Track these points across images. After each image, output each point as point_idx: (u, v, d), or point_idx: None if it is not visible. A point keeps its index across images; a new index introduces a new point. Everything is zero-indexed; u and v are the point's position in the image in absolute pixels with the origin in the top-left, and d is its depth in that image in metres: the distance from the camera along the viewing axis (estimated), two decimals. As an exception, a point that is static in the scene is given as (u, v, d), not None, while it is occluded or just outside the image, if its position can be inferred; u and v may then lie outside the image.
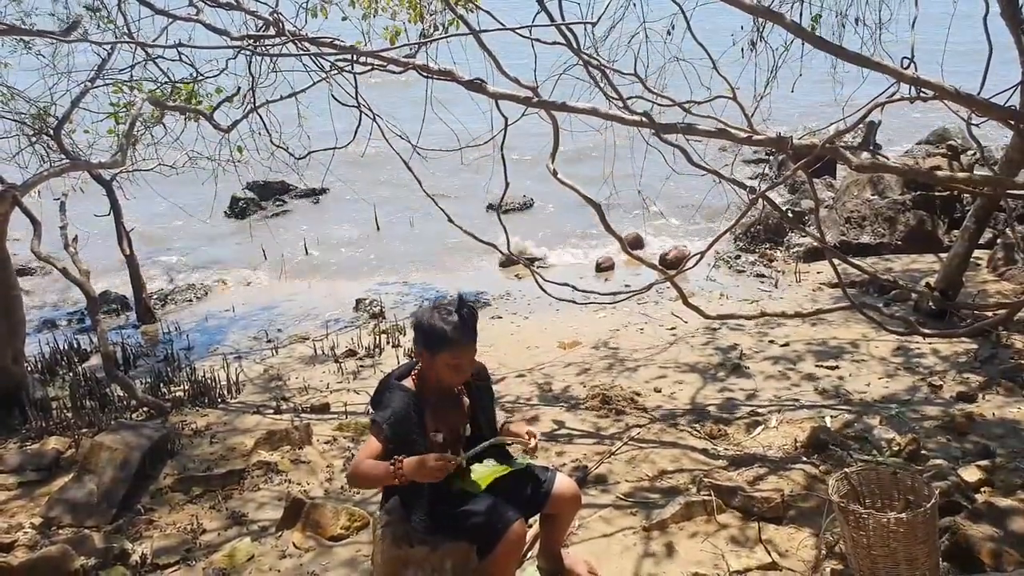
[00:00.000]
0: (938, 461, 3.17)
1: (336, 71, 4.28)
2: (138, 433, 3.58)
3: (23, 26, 4.57)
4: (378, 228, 8.66)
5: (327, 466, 3.58)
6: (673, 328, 5.36)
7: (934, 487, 2.43)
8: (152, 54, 4.73)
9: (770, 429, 3.68)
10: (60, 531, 3.12)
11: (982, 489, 2.94)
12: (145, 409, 4.29)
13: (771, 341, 4.96)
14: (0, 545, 2.96)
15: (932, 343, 4.66)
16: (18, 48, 5.14)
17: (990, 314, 4.65)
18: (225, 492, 3.38)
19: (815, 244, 5.96)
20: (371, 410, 2.37)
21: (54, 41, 4.58)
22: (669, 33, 4.38)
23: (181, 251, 8.30)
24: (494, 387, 4.69)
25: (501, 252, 4.74)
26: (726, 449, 3.51)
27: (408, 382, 2.32)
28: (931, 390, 4.08)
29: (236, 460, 3.65)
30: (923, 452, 3.29)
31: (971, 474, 3.01)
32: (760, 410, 3.94)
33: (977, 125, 4.08)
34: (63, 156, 4.92)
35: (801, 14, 4.58)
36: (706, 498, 2.94)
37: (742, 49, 4.77)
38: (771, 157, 8.88)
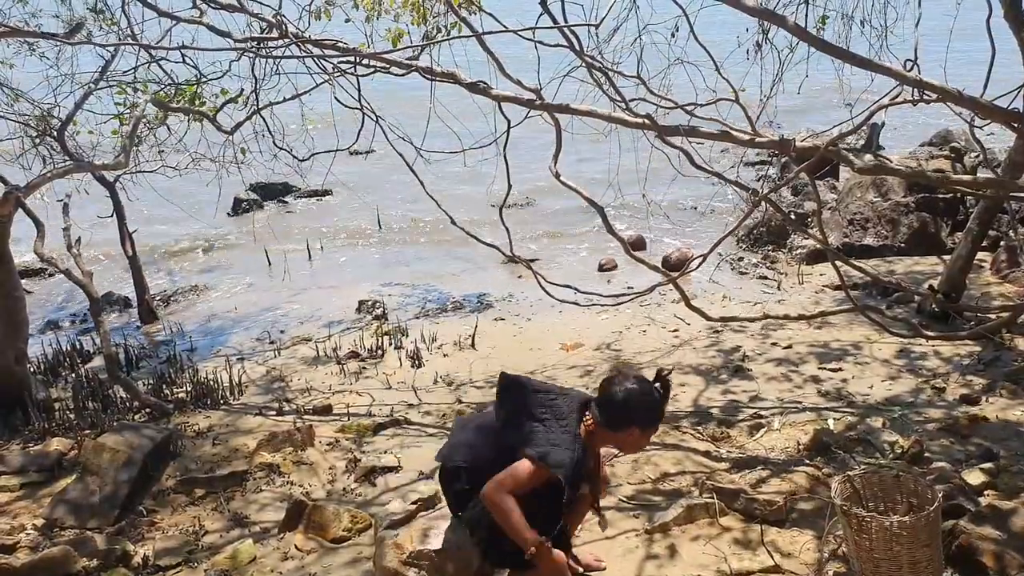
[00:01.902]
0: (941, 464, 3.16)
1: (339, 73, 4.28)
2: (140, 434, 3.59)
3: (28, 27, 4.58)
4: (380, 228, 8.67)
5: (329, 468, 3.58)
6: (676, 330, 5.35)
7: (937, 490, 2.43)
8: (156, 56, 4.74)
9: (773, 431, 3.67)
10: (62, 532, 3.13)
11: (985, 492, 2.93)
12: (147, 410, 4.30)
13: (774, 343, 4.95)
14: (2, 546, 2.97)
15: (935, 345, 4.65)
16: (22, 50, 5.16)
17: (993, 316, 4.64)
18: (227, 494, 3.39)
19: (818, 246, 5.95)
20: (539, 445, 2.21)
21: (58, 43, 4.59)
22: (673, 35, 4.37)
23: (184, 252, 8.32)
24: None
25: (503, 254, 4.75)
26: (729, 451, 3.50)
27: (581, 432, 2.29)
28: (934, 392, 4.07)
29: (238, 461, 3.65)
30: (926, 455, 3.28)
31: (974, 477, 3.00)
32: (763, 412, 3.93)
33: (980, 127, 4.09)
34: (67, 158, 4.94)
35: (807, 16, 4.57)
36: (708, 501, 2.93)
37: (747, 51, 4.77)
38: (774, 159, 8.87)
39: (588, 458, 2.30)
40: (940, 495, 2.37)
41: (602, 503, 3.08)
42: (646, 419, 2.29)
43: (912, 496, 2.44)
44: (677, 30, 4.34)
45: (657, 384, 2.31)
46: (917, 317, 5.03)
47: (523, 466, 2.19)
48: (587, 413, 2.33)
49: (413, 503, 2.75)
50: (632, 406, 2.25)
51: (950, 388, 4.09)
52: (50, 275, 7.29)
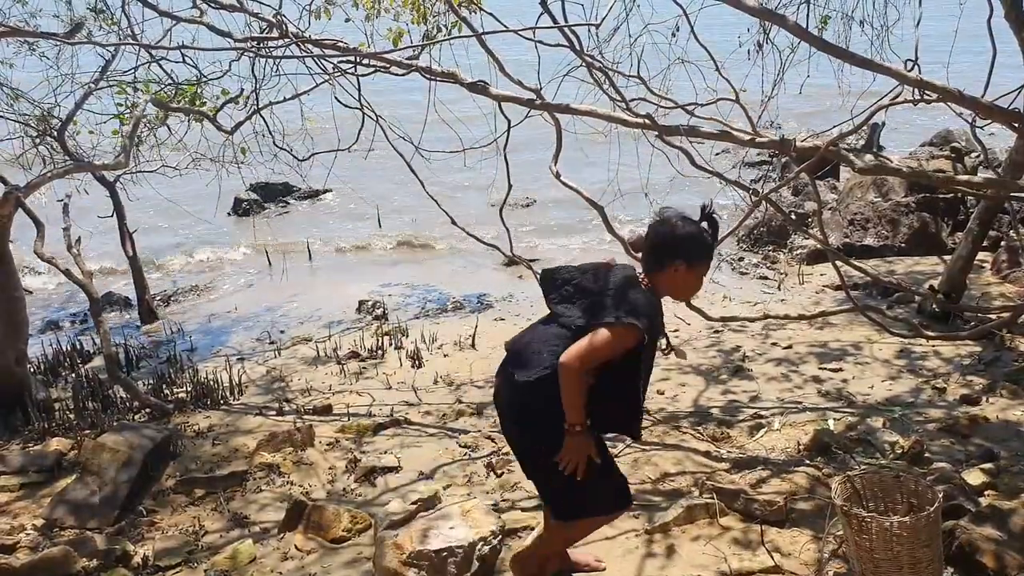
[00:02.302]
0: (941, 464, 3.16)
1: (339, 73, 4.28)
2: (140, 434, 3.58)
3: (27, 27, 4.58)
4: (380, 228, 8.67)
5: (329, 468, 3.58)
6: (676, 330, 5.35)
7: (938, 490, 2.42)
8: (156, 56, 4.74)
9: (773, 431, 3.67)
10: (62, 532, 3.13)
11: (985, 492, 2.93)
12: (147, 410, 4.30)
13: (774, 343, 4.95)
14: (2, 546, 2.97)
15: (935, 345, 4.65)
16: (22, 50, 5.16)
17: (994, 316, 4.64)
18: (227, 494, 3.38)
19: (818, 246, 5.95)
20: (608, 302, 2.14)
21: (58, 43, 4.59)
22: (674, 35, 4.37)
23: (184, 252, 8.32)
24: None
25: (504, 254, 4.75)
26: (729, 452, 3.50)
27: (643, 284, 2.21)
28: (934, 393, 4.06)
29: (238, 462, 3.65)
30: (926, 455, 3.28)
31: (975, 477, 3.00)
32: (763, 412, 3.93)
33: (981, 127, 4.08)
34: (67, 158, 4.94)
35: (808, 16, 4.57)
36: (708, 501, 2.93)
37: (748, 51, 4.76)
38: (774, 159, 8.87)
39: (661, 307, 2.21)
40: (940, 495, 2.37)
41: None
42: (693, 252, 2.18)
43: (912, 496, 2.43)
44: (678, 30, 4.34)
45: (704, 222, 2.20)
46: (917, 317, 5.03)
47: (600, 334, 2.08)
48: (637, 273, 2.26)
49: (413, 503, 2.75)
50: (677, 236, 2.16)
51: (950, 388, 4.08)
52: (50, 274, 7.28)
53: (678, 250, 2.19)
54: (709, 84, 4.35)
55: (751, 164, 10.20)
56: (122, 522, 3.20)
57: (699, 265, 2.22)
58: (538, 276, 2.42)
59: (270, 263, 7.69)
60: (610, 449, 3.37)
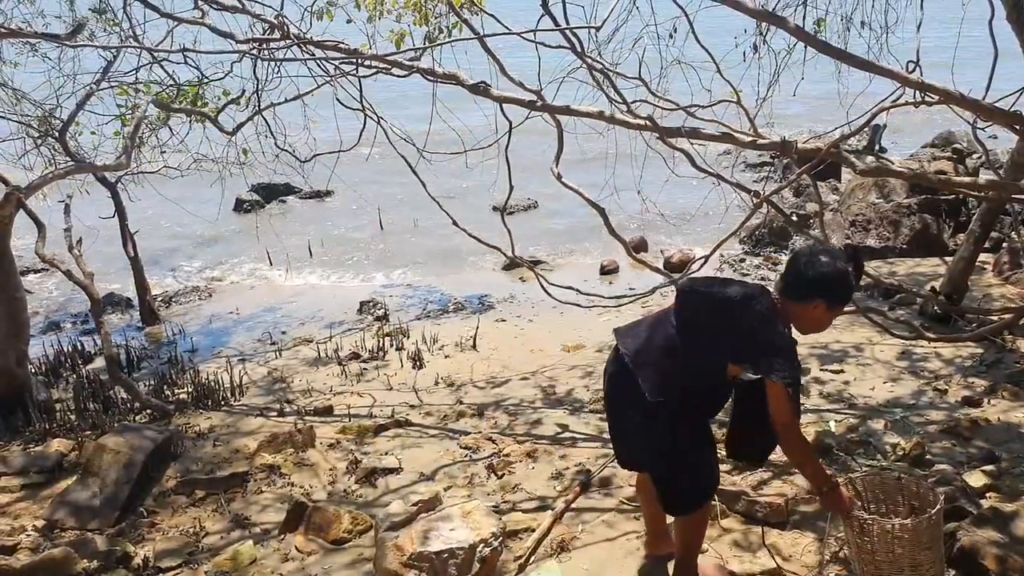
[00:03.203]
0: (943, 466, 3.15)
1: (341, 74, 4.28)
2: (141, 435, 3.59)
3: (30, 28, 4.58)
4: (382, 229, 8.67)
5: (330, 469, 3.58)
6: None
7: (939, 492, 2.42)
8: (158, 57, 4.74)
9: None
10: (63, 533, 3.13)
11: (987, 494, 2.92)
12: (148, 411, 4.30)
13: (775, 345, 4.93)
14: (3, 547, 2.97)
15: (937, 347, 4.64)
16: (24, 50, 5.17)
17: (995, 318, 4.63)
18: (228, 495, 3.38)
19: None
20: (770, 358, 2.13)
21: (60, 45, 4.60)
22: (672, 36, 4.37)
23: (185, 253, 8.33)
24: (498, 389, 4.72)
25: (505, 255, 4.75)
26: (730, 453, 3.49)
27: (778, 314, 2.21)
28: (936, 394, 4.06)
29: (239, 463, 3.65)
30: (927, 457, 3.27)
31: (976, 479, 3.00)
32: (764, 414, 3.92)
33: (983, 129, 4.08)
34: (68, 158, 4.94)
35: (804, 17, 4.57)
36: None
37: (744, 53, 4.76)
38: (775, 161, 8.86)
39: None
40: (942, 498, 2.36)
41: (601, 505, 3.10)
42: (838, 295, 2.17)
43: (914, 498, 2.43)
44: (675, 31, 4.34)
45: (850, 264, 2.18)
46: (919, 319, 5.02)
47: (781, 396, 2.13)
48: (773, 293, 2.26)
49: (414, 505, 2.75)
50: (829, 276, 2.14)
51: (952, 390, 4.08)
52: (51, 275, 7.29)
53: (826, 290, 2.17)
54: (707, 85, 4.35)
55: (752, 165, 10.21)
56: (123, 523, 3.20)
57: (838, 308, 2.23)
58: (676, 285, 2.46)
59: (271, 263, 7.70)
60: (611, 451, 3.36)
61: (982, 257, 5.48)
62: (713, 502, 2.75)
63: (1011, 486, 2.98)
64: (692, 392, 2.25)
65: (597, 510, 3.04)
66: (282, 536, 3.05)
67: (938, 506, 2.28)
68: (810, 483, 2.20)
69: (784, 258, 6.94)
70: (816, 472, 2.24)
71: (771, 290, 2.30)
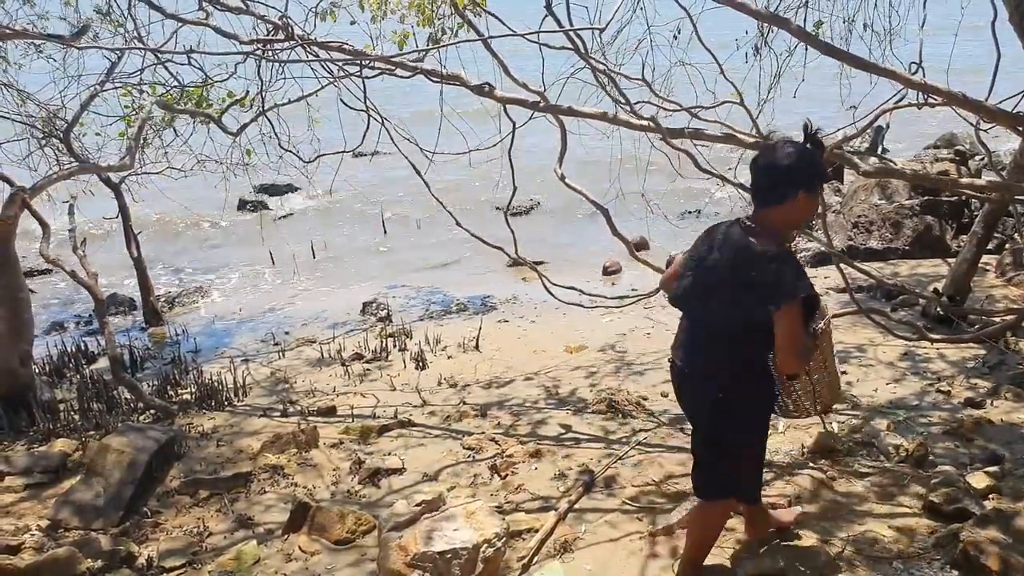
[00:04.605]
0: (946, 467, 3.15)
1: (345, 75, 4.29)
2: (145, 436, 3.59)
3: (34, 29, 4.60)
4: (385, 231, 8.68)
5: (333, 469, 3.59)
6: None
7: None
8: (162, 58, 4.75)
9: (777, 434, 3.66)
10: (67, 533, 3.13)
11: (990, 495, 2.92)
12: (152, 411, 4.31)
13: (778, 346, 4.93)
14: (7, 547, 2.97)
15: (940, 348, 4.64)
16: (29, 51, 5.18)
17: (998, 320, 4.63)
18: (231, 495, 3.39)
19: (822, 249, 5.94)
20: (779, 282, 2.06)
21: (65, 46, 4.61)
22: (675, 37, 4.37)
23: (188, 254, 8.35)
24: (501, 389, 4.72)
25: (508, 255, 4.75)
26: (733, 454, 3.50)
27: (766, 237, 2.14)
28: (939, 396, 4.06)
29: (243, 463, 3.66)
30: (930, 458, 3.27)
31: (979, 480, 2.99)
32: (767, 415, 3.92)
33: (986, 130, 4.08)
34: (72, 159, 4.95)
35: (806, 19, 4.57)
36: (713, 503, 2.92)
37: (746, 54, 4.77)
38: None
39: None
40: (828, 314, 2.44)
41: (604, 505, 3.10)
42: (811, 177, 2.11)
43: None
44: (679, 32, 4.34)
45: (808, 143, 2.13)
46: (921, 320, 5.02)
47: (788, 319, 2.04)
48: (746, 220, 2.19)
49: (417, 505, 2.75)
50: (793, 165, 2.08)
51: (955, 391, 4.07)
52: (55, 275, 7.31)
53: (801, 176, 2.10)
54: (709, 86, 4.36)
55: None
56: (126, 523, 3.20)
57: (818, 190, 2.16)
58: (667, 296, 2.42)
59: (274, 264, 7.71)
60: (616, 452, 3.37)
61: (985, 258, 5.48)
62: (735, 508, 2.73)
63: (1014, 487, 2.98)
64: (747, 369, 2.23)
65: (600, 510, 3.04)
66: (285, 536, 3.05)
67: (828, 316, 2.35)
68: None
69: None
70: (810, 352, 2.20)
71: (740, 218, 2.24)
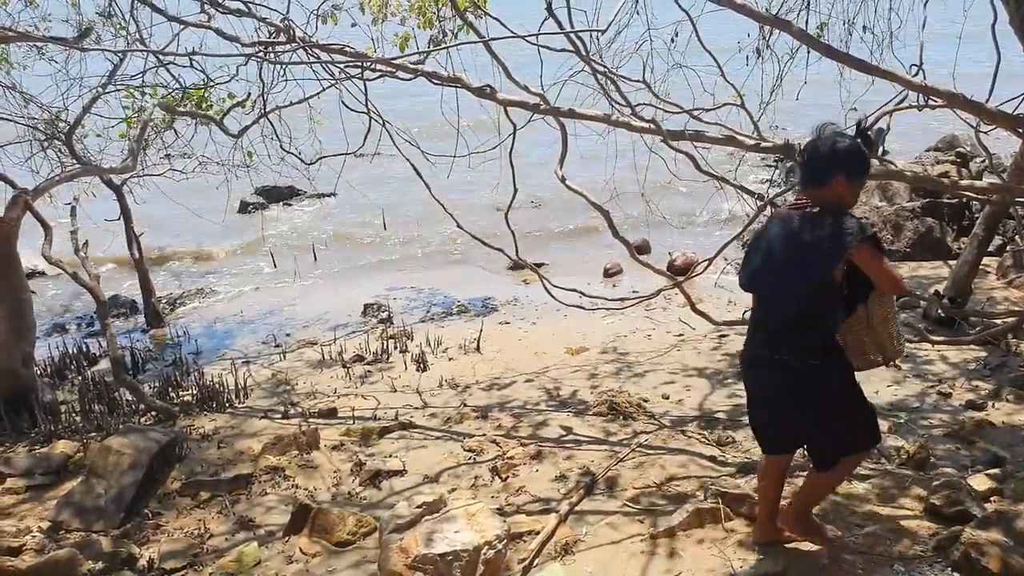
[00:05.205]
0: (947, 469, 3.15)
1: (346, 77, 4.30)
2: (146, 437, 3.60)
3: (37, 31, 4.61)
4: (386, 231, 8.69)
5: (334, 471, 3.59)
6: (681, 334, 5.35)
7: None
8: (164, 60, 4.76)
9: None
10: (68, 535, 3.14)
11: (992, 498, 2.92)
12: (153, 413, 4.31)
13: (779, 348, 4.93)
14: (8, 548, 2.98)
15: (941, 350, 4.63)
16: (32, 53, 5.20)
17: (999, 321, 4.62)
18: (232, 496, 3.39)
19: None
20: (846, 235, 2.22)
21: (68, 48, 4.62)
22: (673, 40, 4.38)
23: (190, 255, 8.35)
24: (502, 391, 4.72)
25: (509, 257, 4.76)
26: (734, 456, 3.50)
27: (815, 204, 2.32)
28: (940, 398, 4.05)
29: (244, 464, 3.66)
30: (932, 460, 3.27)
31: (981, 483, 2.99)
32: (768, 417, 3.92)
33: (986, 132, 4.08)
34: (75, 161, 4.96)
35: (807, 21, 4.57)
36: (714, 506, 2.92)
37: (747, 56, 4.77)
38: (778, 163, 8.86)
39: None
40: None
41: (605, 507, 3.10)
42: (853, 166, 2.28)
43: None
44: (677, 35, 4.35)
45: (858, 137, 2.32)
46: (923, 322, 5.02)
47: (866, 256, 2.21)
48: (792, 202, 2.37)
49: (418, 507, 2.75)
50: (838, 151, 2.26)
51: (956, 393, 4.07)
52: (57, 277, 7.31)
53: (843, 162, 2.27)
54: (708, 88, 4.36)
55: (755, 166, 10.20)
56: (127, 525, 3.21)
57: (859, 179, 2.31)
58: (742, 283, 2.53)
59: (275, 265, 7.72)
60: (616, 454, 3.37)
61: (986, 260, 5.47)
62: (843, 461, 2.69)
63: (1016, 489, 2.97)
64: (832, 332, 2.35)
65: (601, 512, 3.04)
66: (286, 538, 3.06)
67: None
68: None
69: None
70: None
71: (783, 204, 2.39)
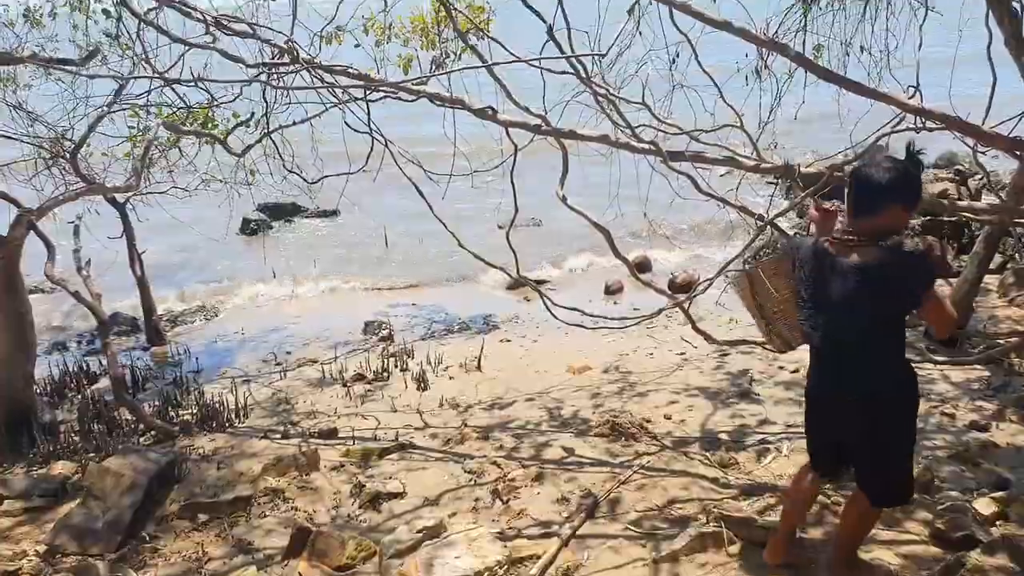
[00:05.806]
0: (952, 492, 3.12)
1: (350, 99, 4.33)
2: (145, 458, 3.58)
3: (43, 52, 4.66)
4: (387, 248, 8.71)
5: (334, 493, 3.56)
6: (682, 353, 5.34)
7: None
8: (169, 81, 4.80)
9: (781, 457, 3.64)
10: (65, 559, 3.11)
11: (997, 522, 2.89)
12: (152, 432, 4.29)
13: (781, 366, 4.92)
14: (4, 573, 2.95)
15: (944, 370, 4.61)
16: (38, 73, 5.24)
17: (1002, 341, 4.61)
18: (231, 519, 3.37)
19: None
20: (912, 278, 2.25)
21: (75, 72, 4.66)
22: (674, 62, 4.42)
23: (192, 273, 8.37)
24: (503, 411, 4.69)
25: (510, 275, 4.76)
26: (736, 478, 3.47)
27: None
28: (943, 418, 4.03)
29: (243, 486, 3.64)
30: (936, 483, 3.24)
31: (986, 506, 2.97)
32: (770, 437, 3.90)
33: (983, 152, 4.09)
34: (78, 180, 4.99)
35: (804, 42, 4.61)
36: (716, 529, 2.90)
37: (746, 77, 4.81)
38: (778, 183, 8.89)
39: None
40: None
41: (607, 531, 3.08)
42: (909, 192, 2.22)
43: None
44: (678, 56, 4.39)
45: (909, 161, 2.26)
46: (924, 341, 5.00)
47: (935, 299, 2.25)
48: (837, 234, 2.31)
49: (418, 531, 2.73)
50: (894, 179, 2.18)
51: (959, 414, 4.05)
52: (57, 294, 7.32)
53: (899, 190, 2.19)
54: (708, 108, 4.39)
55: (755, 186, 10.23)
56: (125, 548, 3.18)
57: (916, 205, 2.27)
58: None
59: (278, 283, 7.73)
60: (619, 475, 3.35)
61: (987, 279, 5.46)
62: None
63: (1022, 513, 2.94)
64: (907, 370, 2.38)
65: (603, 536, 3.02)
66: (285, 562, 3.03)
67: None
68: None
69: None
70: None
71: (823, 238, 2.36)
